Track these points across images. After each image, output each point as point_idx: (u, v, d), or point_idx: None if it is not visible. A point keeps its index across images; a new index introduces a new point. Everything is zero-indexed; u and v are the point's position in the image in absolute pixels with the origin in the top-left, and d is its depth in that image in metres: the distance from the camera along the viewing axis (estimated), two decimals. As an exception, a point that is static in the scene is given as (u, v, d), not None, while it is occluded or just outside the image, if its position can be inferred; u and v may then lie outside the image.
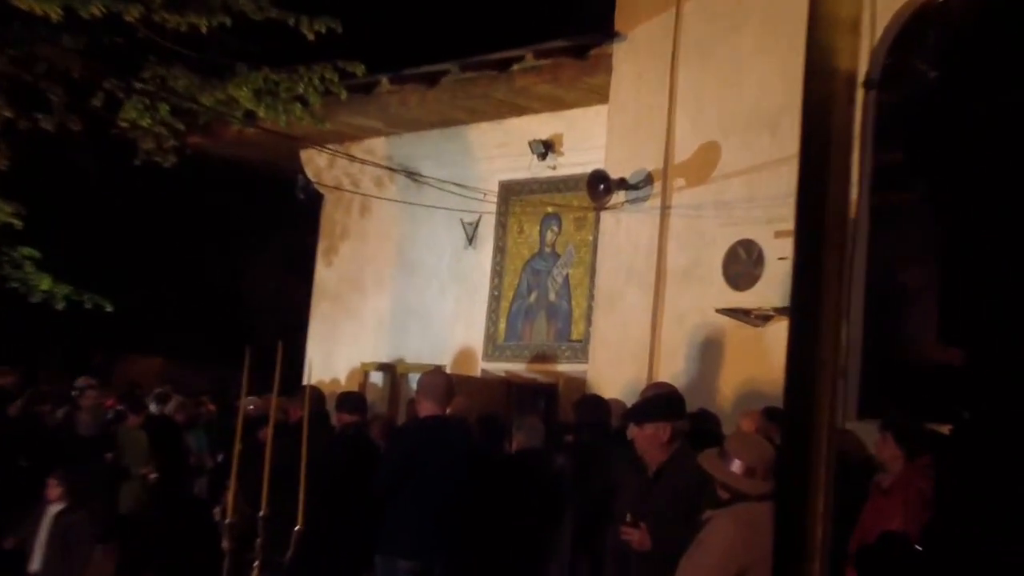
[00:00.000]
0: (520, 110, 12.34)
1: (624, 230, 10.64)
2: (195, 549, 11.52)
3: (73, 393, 13.21)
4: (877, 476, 7.10)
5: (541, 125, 12.39)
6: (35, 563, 9.01)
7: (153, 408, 13.09)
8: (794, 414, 1.44)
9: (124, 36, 11.98)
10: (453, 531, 7.77)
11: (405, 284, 14.03)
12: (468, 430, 8.58)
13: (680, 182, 10.28)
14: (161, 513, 12.51)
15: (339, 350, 14.58)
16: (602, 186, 10.59)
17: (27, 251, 14.50)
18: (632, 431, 6.52)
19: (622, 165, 10.63)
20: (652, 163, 10.44)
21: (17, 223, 14.20)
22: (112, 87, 12.26)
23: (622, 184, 10.51)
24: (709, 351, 9.87)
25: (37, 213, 14.70)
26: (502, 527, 8.16)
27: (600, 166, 10.81)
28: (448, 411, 8.64)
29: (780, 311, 9.15)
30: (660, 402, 6.61)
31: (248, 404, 12.66)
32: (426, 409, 8.00)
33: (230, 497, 4.77)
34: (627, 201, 10.57)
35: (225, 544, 4.71)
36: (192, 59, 12.23)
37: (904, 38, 9.35)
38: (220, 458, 12.72)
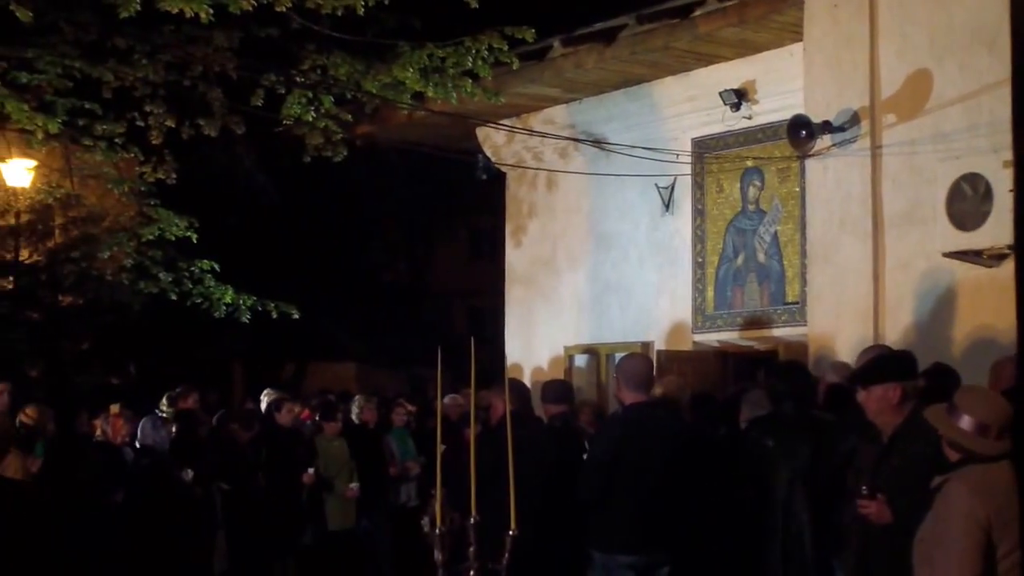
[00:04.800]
0: (707, 59, 12.24)
1: (833, 177, 10.48)
2: (408, 562, 11.86)
3: (261, 403, 13.69)
4: None
5: (731, 73, 12.27)
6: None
7: (354, 415, 13.40)
8: None
9: (278, 28, 12.31)
10: (674, 521, 7.82)
11: (601, 259, 14.08)
12: (677, 412, 8.60)
13: (890, 118, 10.08)
14: (368, 527, 12.85)
15: (538, 336, 14.71)
16: (804, 132, 10.44)
17: (206, 264, 15.09)
18: (860, 395, 6.48)
19: (824, 107, 10.45)
20: (857, 101, 10.25)
21: (193, 236, 14.79)
22: (271, 83, 12.60)
23: (826, 127, 10.34)
24: (939, 300, 9.67)
25: (206, 223, 15.28)
26: (731, 510, 8.17)
27: (800, 110, 10.65)
28: (659, 392, 8.72)
29: (1017, 248, 8.90)
30: (887, 361, 6.57)
31: (450, 403, 12.98)
32: (627, 398, 8.07)
33: (437, 504, 4.86)
34: (833, 145, 10.40)
35: (437, 556, 4.81)
36: (351, 44, 12.49)
37: None
38: (423, 460, 13.03)
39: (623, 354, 11.03)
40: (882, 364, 6.52)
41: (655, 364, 11.42)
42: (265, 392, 14.08)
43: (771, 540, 7.87)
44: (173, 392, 12.46)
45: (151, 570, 10.65)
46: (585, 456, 8.53)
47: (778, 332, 12.13)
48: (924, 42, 9.89)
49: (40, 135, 12.87)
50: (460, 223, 30.64)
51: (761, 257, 12.38)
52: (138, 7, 11.09)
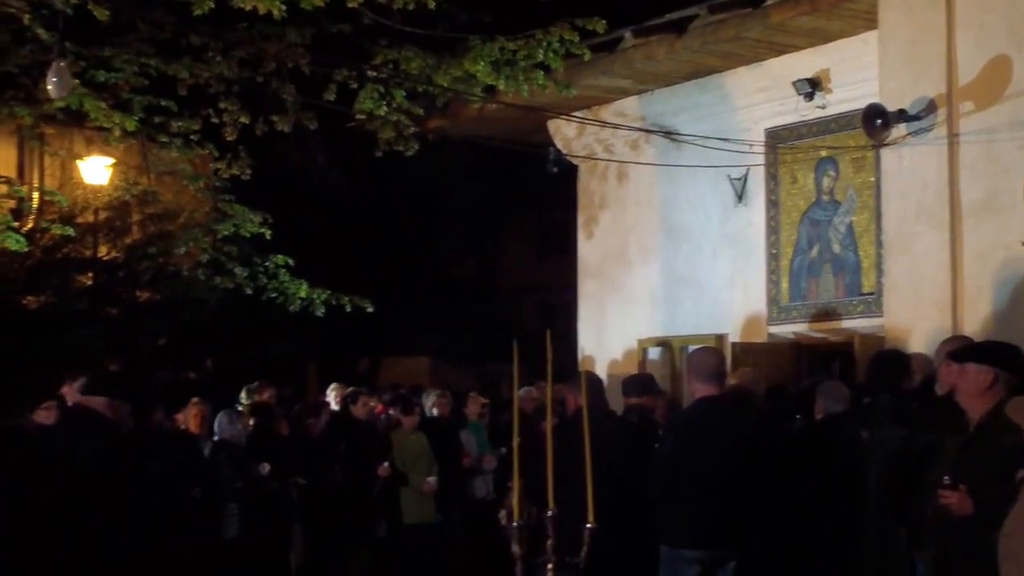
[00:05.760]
0: (779, 48, 12.13)
1: (909, 166, 10.34)
2: (484, 555, 11.85)
3: (327, 397, 13.74)
4: None
5: (804, 62, 12.15)
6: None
7: (428, 409, 13.39)
8: None
9: (350, 23, 12.35)
10: (743, 517, 7.75)
11: (673, 251, 14.00)
12: (750, 406, 8.53)
13: (967, 106, 9.92)
14: (441, 521, 12.85)
15: (611, 329, 14.66)
16: (879, 121, 10.31)
17: (280, 259, 15.18)
18: (951, 370, 6.43)
19: (899, 95, 10.31)
20: (933, 89, 10.10)
21: (267, 232, 14.89)
22: (344, 78, 12.64)
23: (901, 116, 10.20)
24: (1018, 289, 9.51)
25: (279, 219, 15.37)
26: (806, 506, 8.08)
27: (874, 99, 10.52)
28: (735, 382, 8.65)
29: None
30: (990, 345, 6.56)
31: (524, 396, 12.94)
32: (698, 391, 8.05)
33: (514, 498, 4.83)
34: (909, 134, 10.26)
35: (515, 549, 4.78)
36: (423, 38, 12.50)
37: None
38: (503, 451, 13.00)
39: (696, 347, 10.96)
40: (984, 346, 6.57)
41: (730, 357, 11.36)
42: (332, 386, 14.11)
43: (865, 534, 7.79)
44: (251, 385, 12.53)
45: (228, 563, 10.71)
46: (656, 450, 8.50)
47: (854, 323, 12.00)
48: (1002, 29, 9.73)
49: (117, 132, 13.03)
50: (530, 217, 30.61)
51: (836, 248, 12.25)
52: (212, 4, 11.19)
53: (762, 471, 7.85)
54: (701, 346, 11.01)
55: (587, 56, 12.37)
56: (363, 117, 13.06)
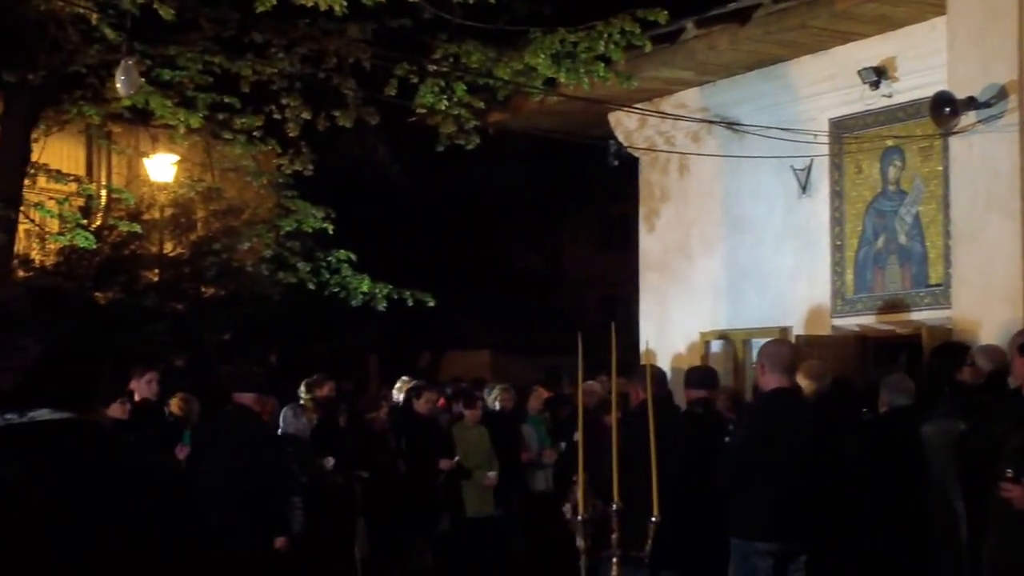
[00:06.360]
0: (844, 36, 11.92)
1: (978, 154, 10.11)
2: (544, 548, 11.78)
3: (395, 390, 13.71)
4: None
5: (870, 50, 11.94)
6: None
7: (491, 402, 13.32)
8: None
9: (410, 18, 12.31)
10: (812, 509, 7.66)
11: (735, 243, 13.82)
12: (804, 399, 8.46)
13: (1040, 92, 9.70)
14: (501, 514, 12.79)
15: (673, 323, 14.50)
16: (948, 109, 10.08)
17: (343, 254, 15.22)
18: (1017, 363, 6.30)
19: (969, 82, 10.07)
20: (1004, 75, 9.84)
21: (329, 227, 14.90)
22: (404, 73, 12.60)
23: (971, 103, 9.96)
24: (1094, 280, 9.30)
25: (341, 214, 15.37)
26: (871, 499, 7.96)
27: (943, 87, 10.28)
28: (801, 375, 8.54)
29: None
30: None
31: (586, 389, 12.83)
32: (770, 382, 8.00)
33: (579, 492, 4.77)
34: (979, 121, 10.01)
35: (580, 543, 4.72)
36: (483, 32, 12.43)
37: None
38: (563, 446, 12.92)
39: (761, 340, 10.82)
40: None
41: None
42: (401, 380, 14.08)
43: (929, 527, 7.65)
44: (310, 379, 12.51)
45: (293, 557, 10.67)
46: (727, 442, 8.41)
47: (921, 315, 11.79)
48: (1075, 12, 9.50)
49: (182, 130, 13.11)
50: (591, 210, 30.54)
51: (902, 239, 12.03)
52: (274, 1, 11.20)
53: (830, 464, 7.76)
54: (775, 338, 10.89)
55: (648, 47, 12.24)
56: (424, 111, 13.02)
